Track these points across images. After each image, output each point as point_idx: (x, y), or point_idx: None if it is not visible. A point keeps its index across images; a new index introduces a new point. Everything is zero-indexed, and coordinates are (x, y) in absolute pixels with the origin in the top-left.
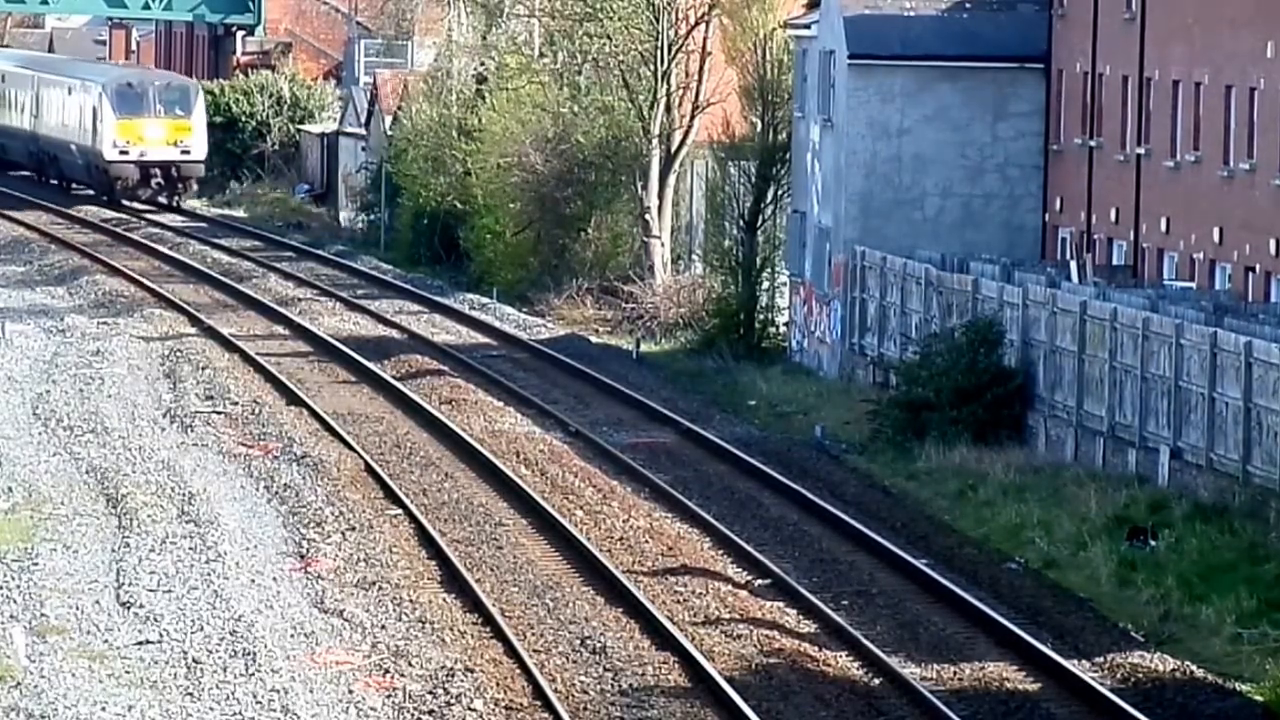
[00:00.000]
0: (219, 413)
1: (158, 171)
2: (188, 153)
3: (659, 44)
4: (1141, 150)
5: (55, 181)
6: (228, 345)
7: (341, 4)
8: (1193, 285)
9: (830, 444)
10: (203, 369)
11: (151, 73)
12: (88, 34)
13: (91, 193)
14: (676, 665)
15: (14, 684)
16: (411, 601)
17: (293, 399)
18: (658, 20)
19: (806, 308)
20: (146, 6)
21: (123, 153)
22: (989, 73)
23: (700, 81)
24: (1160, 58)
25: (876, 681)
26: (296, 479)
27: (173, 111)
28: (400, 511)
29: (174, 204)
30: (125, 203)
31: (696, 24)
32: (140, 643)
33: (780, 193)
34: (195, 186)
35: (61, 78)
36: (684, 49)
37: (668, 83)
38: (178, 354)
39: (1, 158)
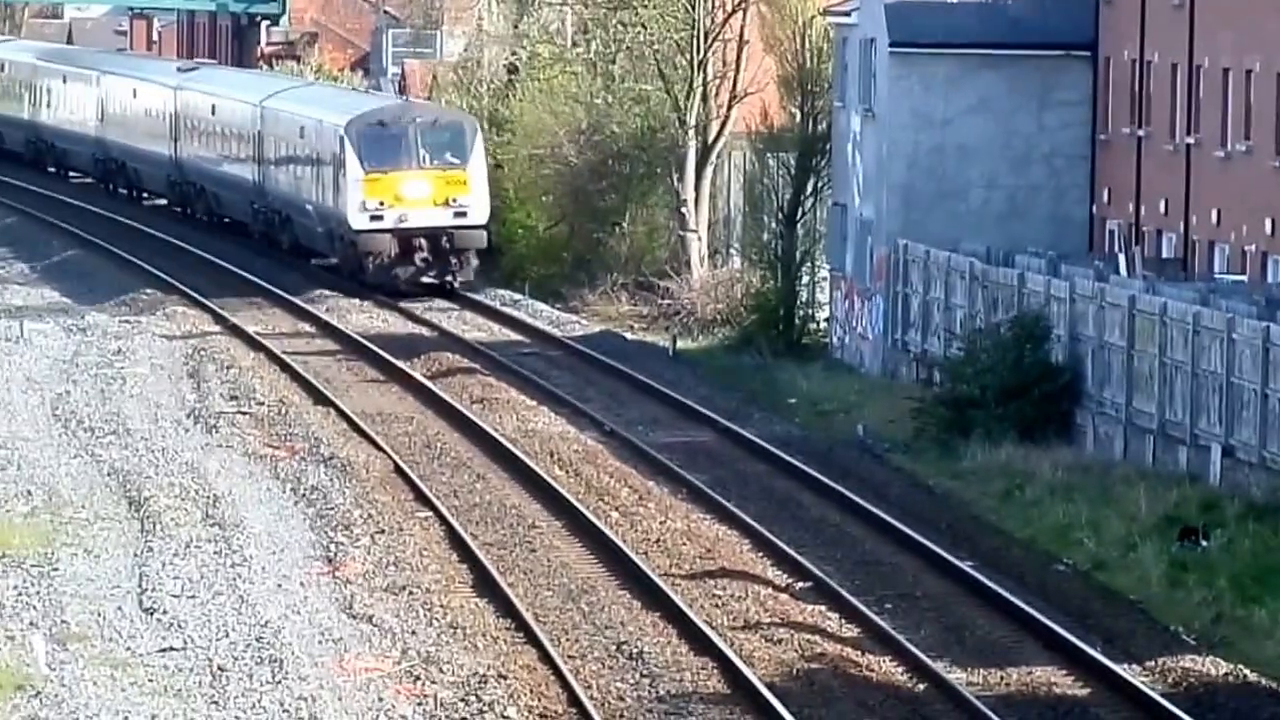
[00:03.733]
0: (244, 413)
1: (423, 243)
2: (463, 215)
3: (695, 32)
4: (1191, 140)
5: (288, 247)
6: (252, 343)
7: None
8: (1245, 278)
9: (873, 443)
10: (227, 368)
11: (411, 106)
12: (108, 24)
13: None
14: (715, 671)
15: (34, 693)
16: (443, 606)
17: (320, 399)
18: (694, 7)
19: (848, 303)
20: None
21: (375, 218)
22: (1034, 61)
23: (738, 71)
24: (1210, 45)
25: (921, 687)
26: (324, 481)
27: (442, 158)
28: (430, 514)
29: (447, 285)
30: (378, 285)
31: (734, 11)
32: (164, 650)
33: (820, 185)
34: (475, 261)
35: (294, 112)
36: (721, 37)
37: (704, 72)
38: (201, 353)
39: (215, 212)
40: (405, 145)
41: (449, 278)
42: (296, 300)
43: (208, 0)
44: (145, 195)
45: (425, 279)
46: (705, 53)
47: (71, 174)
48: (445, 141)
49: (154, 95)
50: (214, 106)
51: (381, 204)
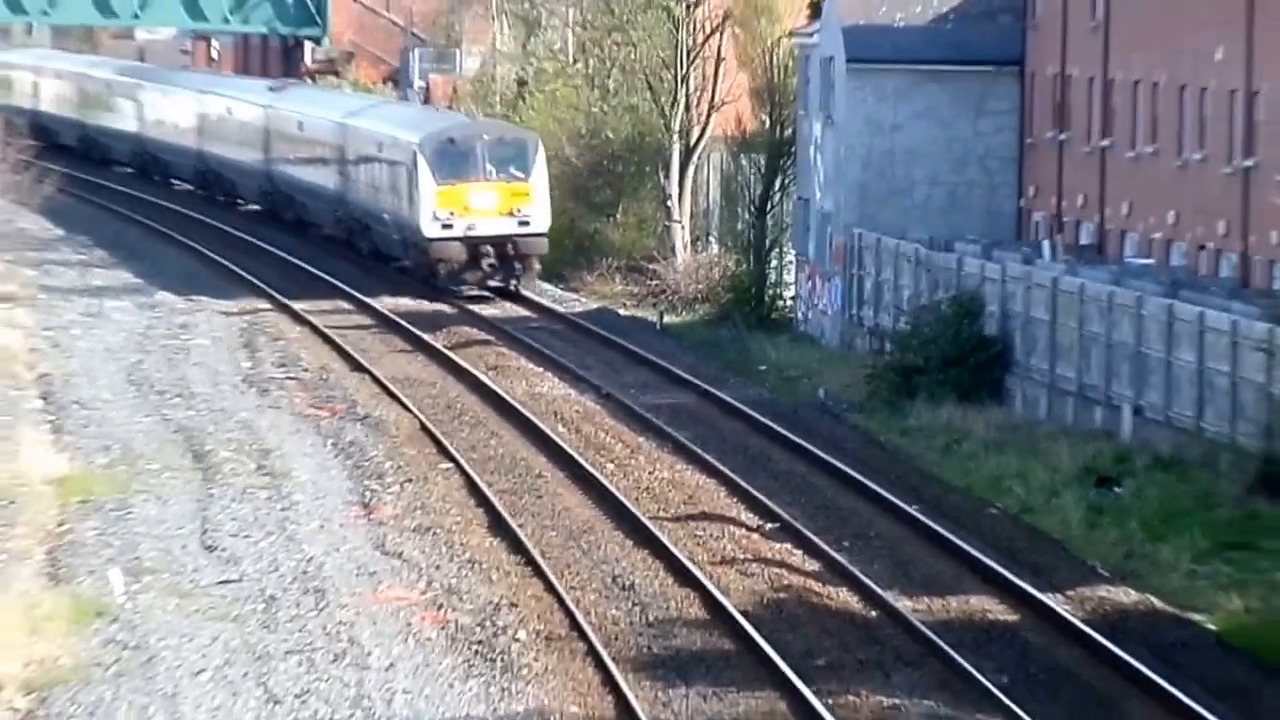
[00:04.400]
0: (291, 378)
1: (490, 249)
2: (526, 224)
3: (678, 51)
4: (1105, 143)
5: (368, 252)
6: (298, 319)
7: (398, 17)
8: (1151, 262)
9: (832, 404)
10: (276, 340)
11: (479, 124)
12: (174, 44)
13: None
14: (697, 600)
15: (112, 619)
16: (462, 544)
17: (356, 366)
18: (677, 30)
19: (810, 283)
20: (225, 20)
21: (446, 227)
22: (971, 75)
23: (715, 84)
24: (1122, 61)
25: (874, 614)
26: (360, 437)
27: (507, 171)
28: (451, 465)
29: (511, 288)
30: (451, 288)
31: (712, 33)
32: (222, 582)
33: (786, 182)
34: (537, 266)
35: (372, 129)
36: (701, 55)
37: (686, 85)
38: (255, 327)
39: (302, 218)
40: (473, 160)
41: (513, 282)
42: (339, 283)
43: (260, 24)
44: (240, 202)
45: (491, 283)
46: (687, 69)
47: (174, 182)
48: (510, 156)
49: (248, 112)
50: (301, 123)
51: (451, 214)
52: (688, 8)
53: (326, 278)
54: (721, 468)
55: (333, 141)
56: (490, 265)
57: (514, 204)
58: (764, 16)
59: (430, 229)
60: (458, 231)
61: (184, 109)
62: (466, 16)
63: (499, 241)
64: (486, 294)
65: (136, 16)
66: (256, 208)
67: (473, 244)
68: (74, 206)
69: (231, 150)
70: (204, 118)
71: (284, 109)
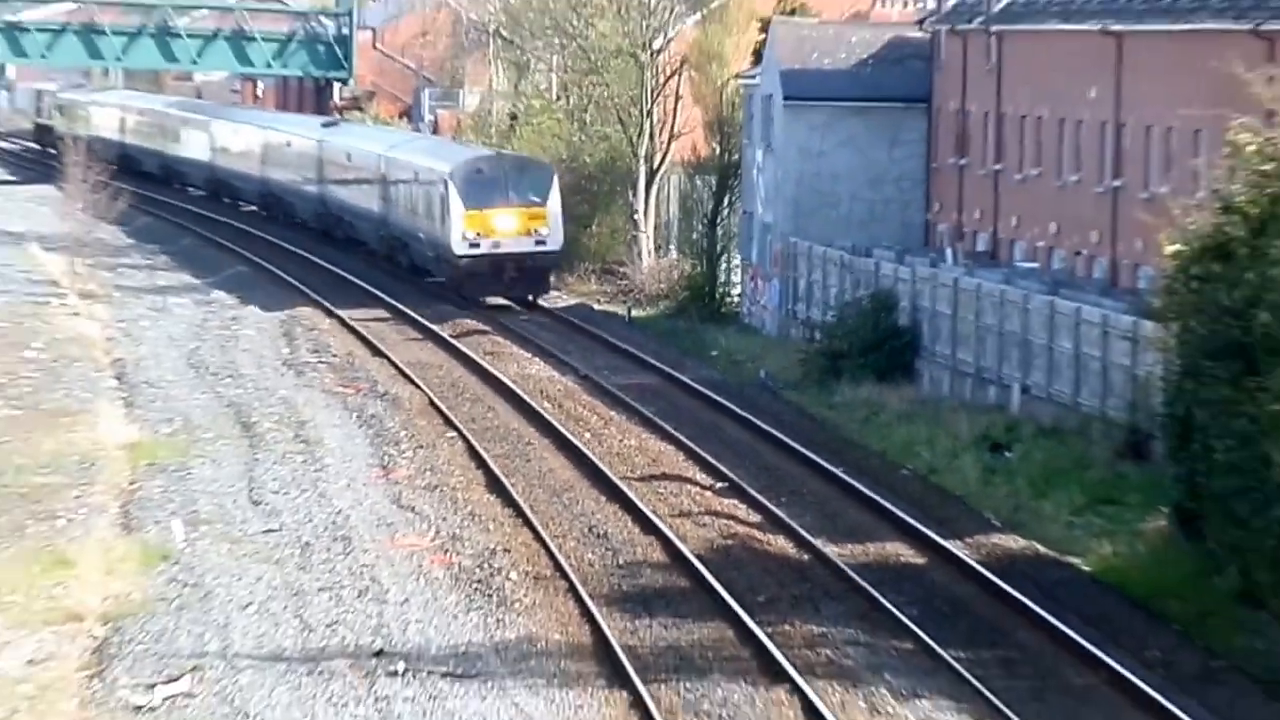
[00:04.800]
0: (323, 362)
1: (511, 266)
2: (543, 243)
3: (644, 91)
4: (998, 167)
5: (406, 266)
6: (332, 315)
7: (411, 62)
8: (1036, 265)
9: (771, 383)
10: (311, 331)
11: (503, 156)
12: (225, 84)
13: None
14: (658, 545)
15: (174, 561)
16: (464, 500)
17: (377, 352)
18: (643, 73)
19: (753, 283)
20: (268, 65)
21: (473, 246)
22: (886, 111)
23: (674, 118)
24: (1011, 99)
25: (806, 557)
26: (379, 410)
27: (526, 198)
28: (455, 434)
29: (530, 300)
30: (477, 299)
31: (671, 76)
32: (266, 530)
33: (733, 199)
34: (551, 279)
35: (410, 160)
36: (662, 94)
37: (650, 119)
38: (294, 321)
39: (352, 237)
40: (497, 187)
41: (531, 295)
42: (372, 289)
43: (296, 68)
44: (297, 222)
45: (512, 295)
46: (651, 105)
47: (240, 204)
48: (529, 184)
49: (304, 144)
50: (349, 154)
51: (478, 234)
52: (651, 54)
53: (363, 284)
54: (679, 436)
55: (376, 170)
56: (511, 279)
57: (532, 226)
58: (715, 62)
59: (459, 247)
60: (483, 250)
61: (249, 141)
62: (468, 62)
63: (519, 259)
64: (508, 304)
65: (195, 62)
66: (311, 226)
67: (496, 261)
68: (148, 221)
69: (290, 177)
70: (266, 149)
71: (334, 142)
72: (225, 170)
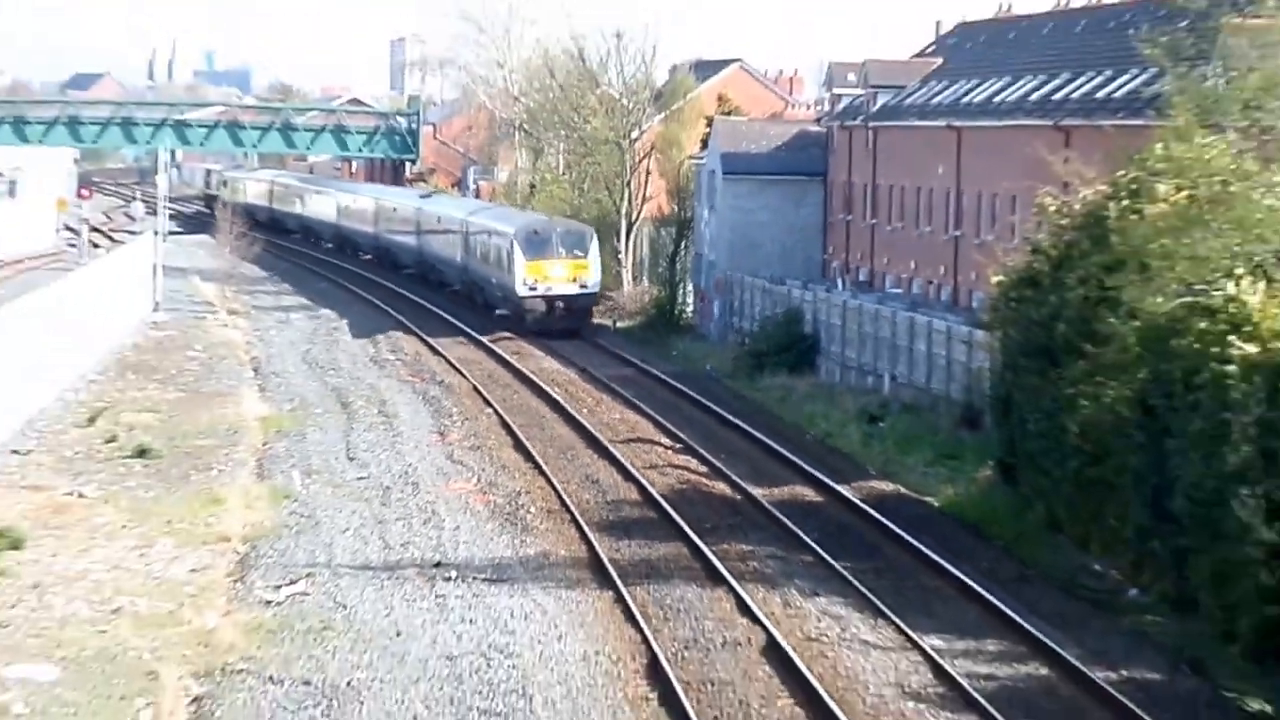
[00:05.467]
0: (399, 360)
1: (560, 305)
2: (585, 287)
3: (624, 168)
4: (874, 221)
5: (481, 303)
6: (406, 330)
7: (460, 147)
8: (900, 291)
9: (715, 374)
10: (391, 340)
11: (555, 221)
12: (330, 163)
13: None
14: (635, 488)
15: (294, 500)
16: (498, 456)
17: (436, 353)
18: (624, 156)
19: (703, 303)
20: (360, 149)
21: (531, 289)
22: (794, 182)
23: (645, 187)
24: (883, 173)
25: (739, 498)
26: (438, 393)
27: (572, 252)
28: (492, 410)
29: (576, 330)
30: (533, 330)
31: (644, 158)
32: (358, 478)
33: (687, 243)
34: (591, 315)
35: (484, 223)
36: (637, 170)
37: (629, 188)
38: (381, 334)
39: (441, 280)
40: (551, 244)
41: (576, 327)
42: (446, 316)
43: (380, 152)
44: (402, 268)
45: (560, 327)
46: (629, 178)
47: (360, 255)
48: (574, 241)
49: (407, 209)
50: (439, 218)
51: (536, 280)
52: (629, 142)
53: (438, 312)
54: (649, 411)
55: (459, 230)
56: (560, 315)
57: (576, 274)
58: (674, 147)
59: (521, 290)
60: (539, 292)
61: (365, 206)
62: (500, 147)
63: (567, 299)
64: (558, 335)
65: (308, 148)
66: (410, 271)
67: (549, 300)
68: (283, 264)
69: (397, 234)
70: (379, 212)
71: (429, 208)
72: (347, 228)
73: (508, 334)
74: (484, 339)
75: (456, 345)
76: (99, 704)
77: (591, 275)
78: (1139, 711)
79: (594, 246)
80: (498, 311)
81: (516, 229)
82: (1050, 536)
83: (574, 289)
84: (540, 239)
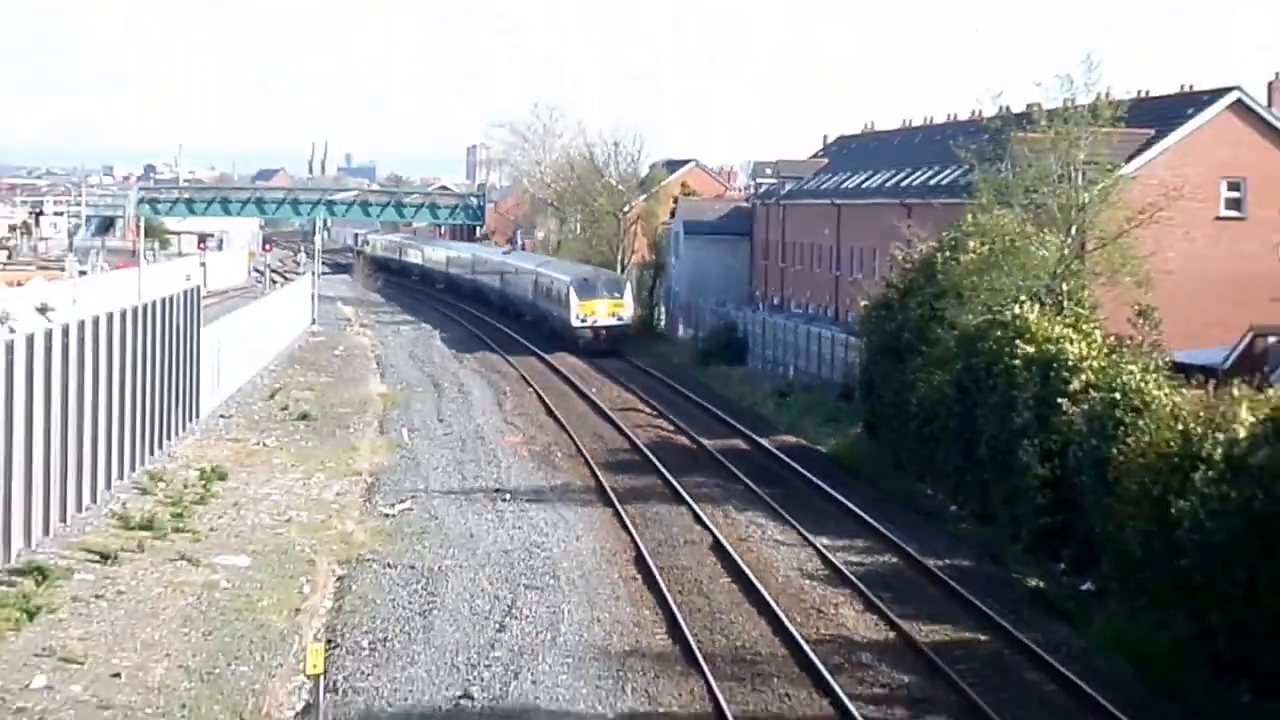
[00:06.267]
0: (473, 357)
1: (604, 332)
2: (620, 320)
3: (619, 231)
4: (783, 265)
5: (546, 331)
6: (482, 341)
7: (511, 216)
8: (801, 311)
9: (680, 364)
10: (471, 346)
11: (599, 271)
12: (428, 229)
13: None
14: (627, 440)
15: (404, 448)
16: (537, 420)
17: (503, 358)
18: (619, 222)
19: (672, 320)
20: (447, 218)
21: (582, 321)
22: (731, 239)
23: (633, 243)
24: (790, 233)
25: (695, 446)
26: (498, 380)
27: (612, 294)
28: (534, 390)
29: (615, 351)
30: (583, 351)
31: (632, 224)
32: (445, 434)
33: (661, 280)
34: (624, 341)
35: (549, 272)
36: (628, 232)
37: (622, 243)
38: (465, 344)
39: (515, 312)
40: (596, 288)
41: (614, 349)
42: (517, 336)
43: (459, 220)
44: (489, 305)
45: (602, 349)
46: (622, 237)
47: (460, 295)
48: (613, 286)
49: (493, 261)
50: (516, 267)
51: (585, 315)
52: (623, 214)
53: (512, 334)
54: (639, 391)
55: (530, 276)
56: (602, 340)
57: (615, 310)
58: (653, 217)
59: (575, 322)
60: (588, 324)
61: (464, 257)
62: (538, 217)
63: (608, 329)
64: (601, 355)
65: (413, 217)
66: (495, 305)
67: (595, 329)
68: (398, 296)
69: (486, 278)
70: (474, 261)
71: (510, 260)
72: (454, 274)
73: (563, 352)
74: (532, 347)
75: (519, 354)
76: (276, 581)
77: (626, 311)
78: (956, 586)
79: (629, 290)
80: (555, 337)
81: (572, 278)
82: (898, 472)
83: (613, 321)
84: (589, 284)
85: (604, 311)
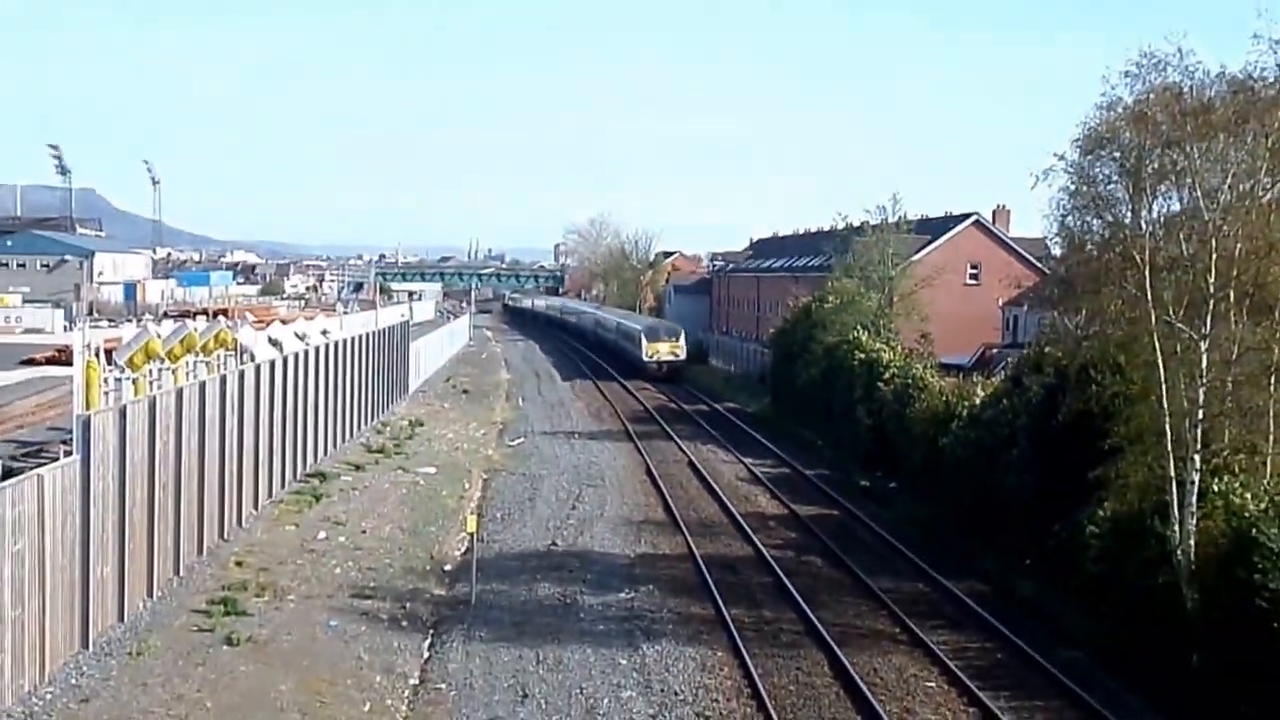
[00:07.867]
0: (570, 379)
1: (665, 366)
2: (678, 356)
3: (638, 288)
4: (730, 310)
5: (621, 364)
6: (577, 368)
7: (579, 280)
8: (740, 335)
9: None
10: (570, 369)
11: (662, 321)
12: (534, 289)
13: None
14: (643, 407)
15: (520, 410)
16: (598, 403)
17: (586, 377)
18: (639, 281)
19: None
20: (532, 285)
21: (650, 358)
22: (700, 295)
23: (646, 295)
24: (734, 292)
25: (679, 408)
26: (580, 392)
27: (671, 339)
28: (600, 393)
29: (675, 379)
30: (650, 379)
31: (646, 284)
32: (544, 402)
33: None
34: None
35: (627, 323)
36: (642, 291)
37: (638, 297)
38: (562, 363)
39: (601, 349)
40: (661, 334)
41: (674, 378)
42: (605, 365)
43: (543, 284)
44: (585, 342)
45: (664, 378)
46: (639, 293)
47: (565, 333)
48: (673, 334)
49: (589, 314)
50: (607, 318)
51: (653, 354)
52: (640, 278)
53: (599, 360)
54: (646, 384)
55: (615, 325)
56: (665, 373)
57: (674, 350)
58: (657, 281)
59: (645, 358)
60: (654, 360)
61: (569, 308)
62: (594, 282)
63: (669, 364)
64: (662, 381)
65: (524, 284)
66: (590, 344)
67: (660, 364)
68: (522, 328)
69: (584, 323)
70: (578, 313)
71: (600, 313)
72: (558, 319)
73: (632, 377)
74: (612, 371)
75: (601, 377)
76: (449, 481)
77: (682, 351)
78: (821, 485)
79: (683, 336)
80: (630, 369)
81: (644, 327)
82: (792, 425)
83: (672, 358)
84: (655, 331)
85: (665, 350)
